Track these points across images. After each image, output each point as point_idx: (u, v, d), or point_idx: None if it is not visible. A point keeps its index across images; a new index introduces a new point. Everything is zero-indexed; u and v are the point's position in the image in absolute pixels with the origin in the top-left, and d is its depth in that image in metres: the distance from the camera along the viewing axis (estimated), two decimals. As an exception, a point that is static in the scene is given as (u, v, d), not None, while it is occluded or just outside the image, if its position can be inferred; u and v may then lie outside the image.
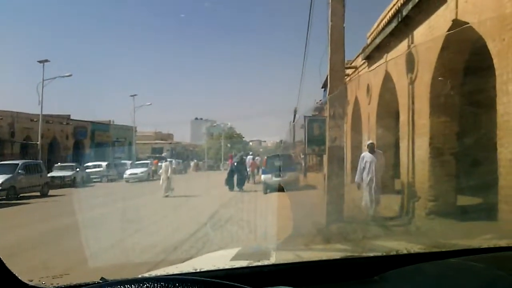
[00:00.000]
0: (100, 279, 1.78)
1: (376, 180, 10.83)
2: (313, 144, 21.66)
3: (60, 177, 28.47)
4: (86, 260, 6.42)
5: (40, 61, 34.59)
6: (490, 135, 7.87)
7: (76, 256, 7.07)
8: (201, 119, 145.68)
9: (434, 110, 10.03)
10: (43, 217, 14.25)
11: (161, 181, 19.99)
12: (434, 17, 9.77)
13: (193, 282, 1.06)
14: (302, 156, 30.30)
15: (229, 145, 74.56)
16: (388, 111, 14.14)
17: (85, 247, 7.05)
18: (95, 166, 34.51)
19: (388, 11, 13.49)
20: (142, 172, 33.00)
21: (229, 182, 21.94)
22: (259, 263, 2.06)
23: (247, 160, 27.37)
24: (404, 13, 11.01)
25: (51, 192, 23.12)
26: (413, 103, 11.08)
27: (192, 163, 59.25)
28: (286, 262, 2.24)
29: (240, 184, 21.88)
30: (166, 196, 19.00)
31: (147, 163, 35.86)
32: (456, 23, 8.68)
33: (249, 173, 25.63)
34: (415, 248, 2.41)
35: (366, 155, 11.21)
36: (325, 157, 13.18)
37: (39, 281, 1.58)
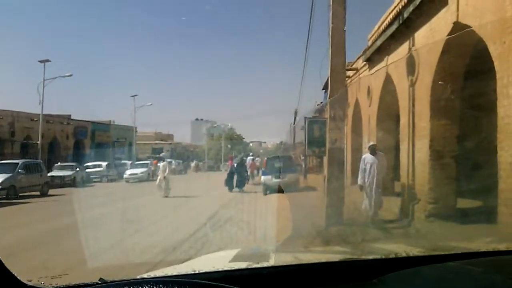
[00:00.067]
0: (99, 280, 1.79)
1: (378, 182, 10.78)
2: (313, 146, 21.62)
3: (60, 176, 28.51)
4: (85, 261, 6.42)
5: (41, 61, 34.68)
6: (490, 138, 7.87)
7: (75, 256, 7.07)
8: (202, 119, 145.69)
9: (434, 112, 10.04)
10: (43, 217, 14.26)
11: (157, 181, 19.96)
12: (435, 20, 9.77)
13: (192, 285, 1.06)
14: (302, 158, 30.30)
15: (229, 146, 74.65)
16: (389, 113, 14.14)
17: (85, 247, 7.05)
18: (95, 166, 34.55)
19: (389, 13, 13.49)
20: (142, 173, 33.03)
21: (228, 183, 22.04)
22: (258, 265, 2.06)
23: (247, 161, 27.42)
24: (405, 15, 11.01)
25: (51, 191, 23.15)
26: (413, 105, 11.08)
27: (192, 164, 59.32)
28: (285, 264, 2.23)
29: (240, 185, 21.94)
30: (166, 197, 19.00)
31: (147, 164, 35.86)
32: (457, 26, 8.68)
33: (248, 174, 25.68)
34: (414, 251, 2.41)
35: (367, 156, 11.17)
36: (325, 159, 13.18)
37: (38, 281, 1.58)
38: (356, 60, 18.76)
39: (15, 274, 1.37)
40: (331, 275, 1.90)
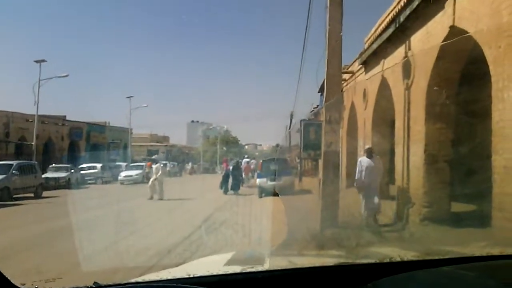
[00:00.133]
0: (94, 284, 1.78)
1: (374, 186, 10.74)
2: (308, 149, 21.65)
3: (54, 178, 28.39)
4: (79, 264, 6.39)
5: (36, 61, 34.52)
6: (484, 143, 7.89)
7: (69, 259, 7.03)
8: (197, 121, 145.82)
9: (429, 116, 10.06)
10: (37, 219, 14.18)
11: (149, 182, 19.85)
12: (431, 23, 9.81)
13: None
14: (298, 161, 30.31)
15: (224, 148, 74.63)
16: (384, 117, 14.17)
17: (79, 250, 7.02)
18: (90, 168, 34.45)
19: (386, 17, 13.54)
20: (137, 174, 32.92)
21: (223, 185, 22.06)
22: (253, 269, 2.05)
23: (242, 164, 27.45)
24: (402, 19, 11.04)
25: (45, 193, 23.02)
26: (409, 109, 11.11)
27: (187, 166, 59.24)
28: (279, 268, 2.23)
29: (235, 188, 21.97)
30: (160, 199, 18.90)
31: (142, 166, 35.74)
32: (454, 30, 8.72)
33: (243, 177, 25.69)
34: (408, 255, 2.42)
35: (363, 160, 11.14)
36: (320, 162, 13.18)
37: (32, 285, 1.58)
38: (352, 63, 18.81)
39: (9, 278, 1.36)
40: (326, 279, 1.90)
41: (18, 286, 1.40)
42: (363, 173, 10.83)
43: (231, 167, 23.27)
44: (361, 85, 16.60)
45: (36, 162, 26.02)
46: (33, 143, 35.22)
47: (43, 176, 25.53)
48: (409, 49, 11.25)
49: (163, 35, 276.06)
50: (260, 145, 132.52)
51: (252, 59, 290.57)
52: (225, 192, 21.74)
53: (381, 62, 13.70)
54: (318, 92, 25.53)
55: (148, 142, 73.45)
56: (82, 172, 32.96)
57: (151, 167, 21.23)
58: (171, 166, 48.78)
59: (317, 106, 29.80)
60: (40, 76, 34.28)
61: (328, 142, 10.21)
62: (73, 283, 1.59)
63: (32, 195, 21.84)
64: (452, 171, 10.10)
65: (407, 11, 10.60)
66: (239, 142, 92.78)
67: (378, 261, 2.11)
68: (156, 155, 27.25)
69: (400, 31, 11.47)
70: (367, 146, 11.74)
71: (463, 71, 9.79)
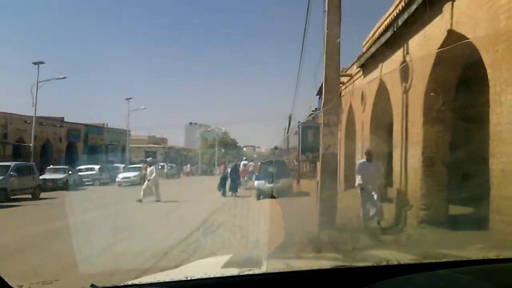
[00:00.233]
0: (91, 286, 1.78)
1: (374, 189, 10.69)
2: (307, 151, 21.64)
3: (52, 179, 28.38)
4: (76, 265, 6.37)
5: (35, 63, 34.52)
6: (482, 146, 7.91)
7: (67, 260, 7.02)
8: (196, 123, 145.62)
9: (427, 119, 10.08)
10: (34, 220, 14.14)
11: (144, 185, 19.77)
12: (429, 27, 9.83)
13: None
14: (296, 163, 30.32)
15: (223, 150, 74.66)
16: (382, 119, 14.19)
17: (76, 252, 7.01)
18: (87, 169, 34.49)
19: (384, 20, 13.56)
20: (134, 176, 32.93)
21: (221, 188, 22.07)
22: (250, 272, 2.06)
23: (240, 167, 27.48)
24: (400, 22, 11.07)
25: (43, 195, 22.96)
26: (407, 112, 11.13)
27: (185, 168, 59.28)
28: (277, 271, 2.24)
29: (233, 190, 21.98)
30: (157, 201, 18.80)
31: (140, 167, 35.80)
32: (451, 34, 8.74)
33: (241, 179, 25.72)
34: (405, 258, 2.42)
35: (363, 162, 11.13)
36: (318, 164, 13.18)
37: (29, 286, 1.58)
38: (350, 66, 18.83)
39: (6, 280, 1.36)
40: (323, 282, 1.90)
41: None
42: (363, 176, 10.80)
43: (229, 169, 23.27)
44: (359, 88, 16.62)
45: (34, 164, 25.95)
46: (31, 145, 35.20)
47: (40, 177, 25.46)
48: (407, 53, 11.27)
49: (161, 37, 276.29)
50: (259, 147, 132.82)
51: (250, 62, 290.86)
52: (223, 194, 21.74)
53: (379, 66, 13.72)
54: (317, 95, 25.57)
55: (146, 144, 73.42)
56: (80, 173, 32.98)
57: (147, 170, 21.15)
58: (169, 168, 48.85)
59: (316, 109, 29.83)
60: (38, 78, 34.35)
61: (326, 144, 10.22)
62: (71, 285, 1.60)
63: (29, 196, 21.78)
64: (450, 174, 10.12)
65: (405, 15, 10.63)
66: (237, 144, 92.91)
67: (375, 264, 2.12)
68: (149, 158, 27.25)
69: (398, 35, 11.50)
70: (367, 149, 11.69)
71: (460, 76, 9.81)
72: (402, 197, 11.04)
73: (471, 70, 8.91)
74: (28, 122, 36.49)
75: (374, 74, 14.50)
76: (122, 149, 54.92)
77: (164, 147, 76.77)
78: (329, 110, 10.23)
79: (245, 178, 28.88)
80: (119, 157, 50.69)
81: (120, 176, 33.99)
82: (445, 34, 8.98)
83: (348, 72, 18.98)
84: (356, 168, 11.66)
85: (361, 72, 16.62)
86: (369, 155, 11.11)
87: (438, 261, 2.18)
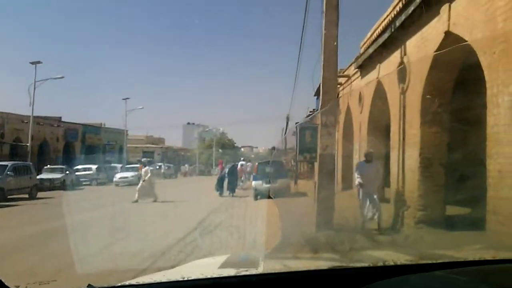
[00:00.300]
0: (87, 286, 1.78)
1: (373, 190, 10.65)
2: (304, 152, 21.60)
3: (49, 179, 28.32)
4: (73, 265, 6.37)
5: (32, 62, 34.49)
6: (479, 147, 7.93)
7: (64, 260, 7.01)
8: (193, 123, 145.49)
9: (425, 120, 10.10)
10: (31, 220, 14.11)
11: (139, 185, 19.72)
12: (426, 29, 9.85)
13: None
14: (294, 163, 30.28)
15: (220, 150, 74.57)
16: (380, 120, 14.21)
17: (73, 252, 6.99)
18: (85, 169, 34.45)
19: (382, 22, 13.59)
20: (132, 176, 32.89)
21: (219, 188, 22.07)
22: (247, 272, 2.06)
23: (238, 167, 27.46)
24: (397, 24, 11.09)
25: (40, 194, 22.92)
26: (404, 113, 11.14)
27: (183, 168, 59.21)
28: (274, 271, 2.24)
29: (231, 190, 21.98)
30: (154, 201, 18.76)
31: (137, 167, 35.79)
32: (449, 35, 8.77)
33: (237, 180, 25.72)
34: (402, 259, 2.43)
35: (362, 163, 11.11)
36: (316, 165, 13.18)
37: (26, 286, 1.58)
38: (348, 67, 18.85)
39: (3, 280, 1.36)
40: (320, 283, 1.91)
41: (12, 288, 1.40)
42: (362, 177, 10.77)
43: (226, 170, 23.27)
44: (357, 89, 16.64)
45: (31, 163, 25.92)
46: (28, 144, 35.14)
47: (38, 177, 25.42)
48: (405, 54, 11.29)
49: (160, 37, 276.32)
50: (256, 147, 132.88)
51: (248, 62, 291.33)
52: (221, 194, 21.75)
53: (377, 67, 13.75)
54: (314, 95, 25.52)
55: (143, 144, 73.31)
56: (77, 173, 32.94)
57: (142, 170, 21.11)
58: (166, 168, 48.81)
59: (314, 109, 29.81)
60: (35, 78, 34.33)
61: (323, 145, 10.22)
62: (68, 285, 1.60)
63: (26, 196, 21.73)
64: (447, 175, 10.14)
65: (403, 17, 10.65)
66: (235, 145, 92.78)
67: (371, 265, 2.12)
68: (144, 158, 27.22)
69: (396, 36, 11.52)
70: (366, 150, 11.63)
71: (457, 78, 9.84)
72: (399, 198, 11.04)
73: (468, 72, 8.94)
74: (26, 121, 36.42)
75: (372, 75, 14.52)
76: (120, 149, 54.86)
77: (161, 147, 76.69)
78: (327, 111, 10.23)
79: (243, 179, 28.88)
80: (116, 157, 50.60)
81: (118, 176, 33.97)
82: (442, 35, 9.01)
83: (346, 73, 19.00)
84: (354, 167, 11.63)
85: (358, 73, 16.64)
86: (369, 156, 11.06)
87: (434, 262, 2.19)
